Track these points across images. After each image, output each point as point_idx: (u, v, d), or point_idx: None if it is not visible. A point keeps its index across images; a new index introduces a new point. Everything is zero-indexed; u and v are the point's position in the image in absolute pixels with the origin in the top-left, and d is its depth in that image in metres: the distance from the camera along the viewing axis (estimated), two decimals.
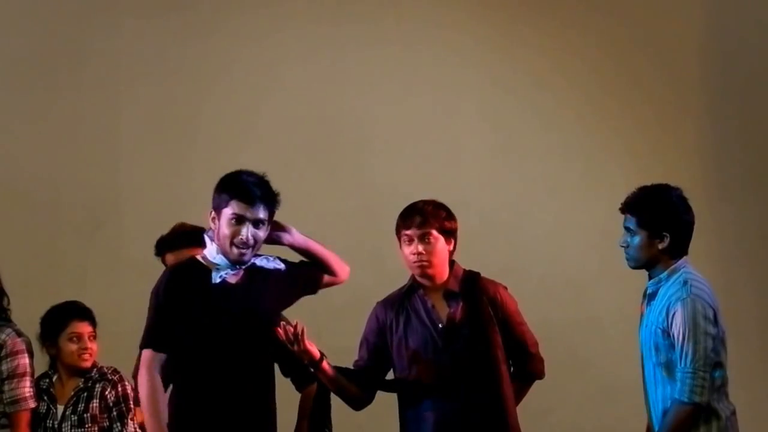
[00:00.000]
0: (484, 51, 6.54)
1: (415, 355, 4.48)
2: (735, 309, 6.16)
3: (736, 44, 6.67)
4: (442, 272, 4.51)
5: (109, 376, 4.78)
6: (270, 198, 4.19)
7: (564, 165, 6.56)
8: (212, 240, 4.20)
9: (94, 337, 4.82)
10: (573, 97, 6.59)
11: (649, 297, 4.26)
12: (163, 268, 6.24)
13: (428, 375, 4.44)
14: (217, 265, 4.17)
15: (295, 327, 4.23)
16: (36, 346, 4.81)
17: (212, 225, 4.19)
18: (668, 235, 4.19)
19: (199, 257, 4.24)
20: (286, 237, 4.29)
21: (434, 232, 4.47)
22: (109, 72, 6.32)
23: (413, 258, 4.46)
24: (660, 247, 4.19)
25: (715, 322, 4.14)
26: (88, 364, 4.77)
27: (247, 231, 4.12)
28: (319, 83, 6.43)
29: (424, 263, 4.46)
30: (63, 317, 4.81)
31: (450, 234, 4.52)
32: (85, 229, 6.25)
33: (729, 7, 6.68)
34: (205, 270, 4.17)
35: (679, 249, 4.23)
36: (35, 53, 6.32)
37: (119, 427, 4.73)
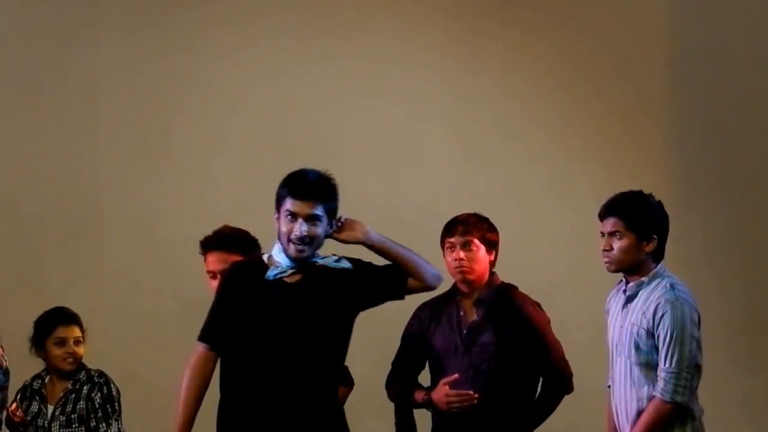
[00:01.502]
0: (451, 64, 6.60)
1: (439, 357, 4.72)
2: (701, 313, 6.22)
3: (700, 54, 6.73)
4: (482, 280, 4.73)
5: (95, 378, 4.99)
6: (324, 194, 4.15)
7: (530, 173, 6.62)
8: (278, 239, 4.20)
9: (80, 342, 5.03)
10: (539, 107, 6.63)
11: (628, 299, 4.34)
12: (140, 276, 6.34)
13: (449, 377, 4.64)
14: (278, 263, 4.16)
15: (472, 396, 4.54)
16: (26, 350, 5.05)
17: (275, 223, 4.18)
18: (656, 237, 4.30)
19: (264, 256, 4.25)
20: (358, 237, 4.24)
21: (476, 241, 4.69)
22: (88, 86, 6.38)
23: (455, 264, 4.68)
24: (647, 249, 4.30)
25: (698, 325, 4.30)
26: (71, 367, 4.99)
27: (300, 227, 4.09)
28: (291, 96, 6.48)
29: (465, 269, 4.68)
30: (50, 322, 5.03)
31: (491, 245, 4.75)
32: (68, 240, 6.30)
33: (693, 18, 6.73)
34: (264, 267, 4.18)
35: (661, 253, 4.36)
36: (15, 69, 6.37)
37: (104, 428, 4.94)
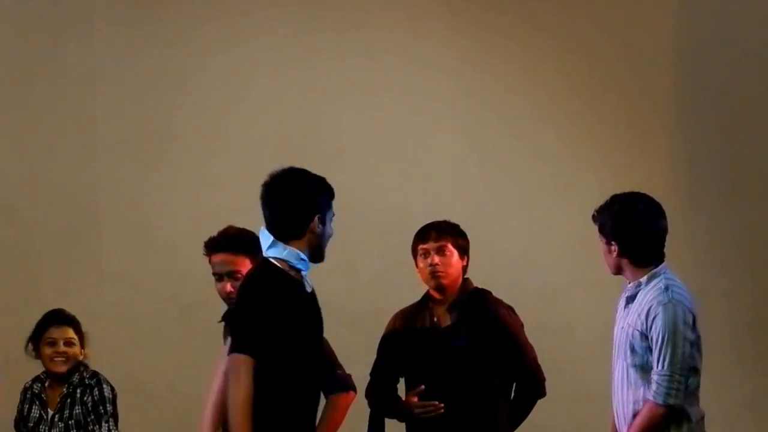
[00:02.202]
0: (456, 60, 6.58)
1: (414, 363, 4.76)
2: (708, 315, 6.16)
3: (708, 54, 6.76)
4: (455, 286, 4.78)
5: (86, 381, 4.99)
6: None
7: (537, 173, 6.63)
8: (286, 245, 4.09)
9: (73, 343, 5.04)
10: (547, 106, 6.64)
11: (628, 300, 4.38)
12: (138, 278, 6.25)
13: (426, 382, 4.68)
14: (301, 269, 4.09)
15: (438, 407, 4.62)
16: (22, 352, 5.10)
17: (314, 229, 4.10)
18: (616, 243, 4.32)
19: (275, 262, 4.08)
20: None
21: (450, 246, 4.75)
22: (83, 82, 6.35)
23: (430, 269, 4.73)
24: (614, 254, 4.34)
25: (694, 327, 4.26)
26: (60, 368, 5.02)
27: None
28: (292, 93, 6.48)
29: (440, 273, 4.72)
30: (44, 324, 5.07)
31: (463, 251, 4.80)
32: (65, 241, 6.27)
33: (703, 19, 6.77)
34: (287, 275, 4.06)
35: (641, 256, 4.34)
36: (8, 64, 6.33)
37: (98, 430, 4.94)
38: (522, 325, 4.82)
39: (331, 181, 6.14)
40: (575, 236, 6.30)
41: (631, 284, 4.36)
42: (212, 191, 6.30)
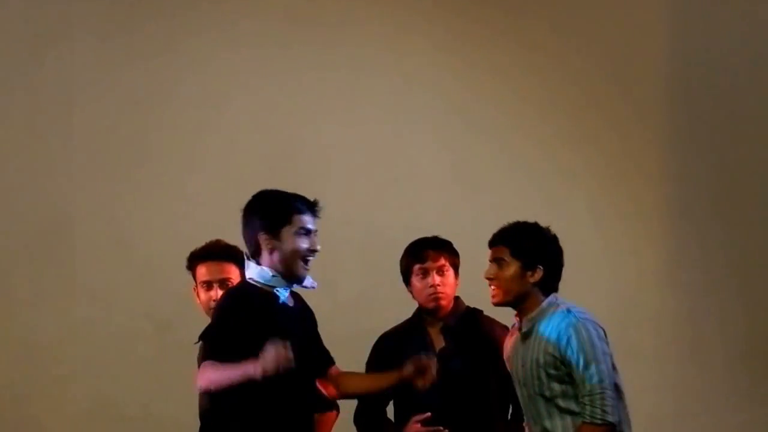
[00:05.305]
0: (441, 77, 6.58)
1: (407, 387, 4.62)
2: (699, 336, 6.25)
3: (699, 69, 6.80)
4: (450, 305, 4.77)
5: None
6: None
7: (524, 190, 6.62)
8: (257, 263, 4.22)
9: None
10: (535, 124, 6.66)
11: (524, 336, 4.40)
12: (112, 295, 6.20)
13: (418, 405, 4.64)
14: (275, 286, 4.19)
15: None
16: None
17: (265, 246, 4.20)
18: (542, 267, 4.38)
19: (251, 281, 4.23)
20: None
21: (448, 264, 4.75)
22: (59, 95, 6.35)
23: (431, 290, 4.70)
24: (531, 279, 4.37)
25: (607, 341, 4.33)
26: None
27: (316, 240, 4.23)
28: (271, 108, 6.47)
29: (441, 294, 4.71)
30: None
31: (456, 269, 4.80)
32: (37, 256, 6.25)
33: (693, 33, 6.82)
34: (263, 292, 4.19)
35: (551, 285, 4.42)
36: None
37: None
38: None
39: (313, 198, 6.09)
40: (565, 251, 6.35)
41: (525, 319, 4.40)
42: (190, 207, 6.30)
